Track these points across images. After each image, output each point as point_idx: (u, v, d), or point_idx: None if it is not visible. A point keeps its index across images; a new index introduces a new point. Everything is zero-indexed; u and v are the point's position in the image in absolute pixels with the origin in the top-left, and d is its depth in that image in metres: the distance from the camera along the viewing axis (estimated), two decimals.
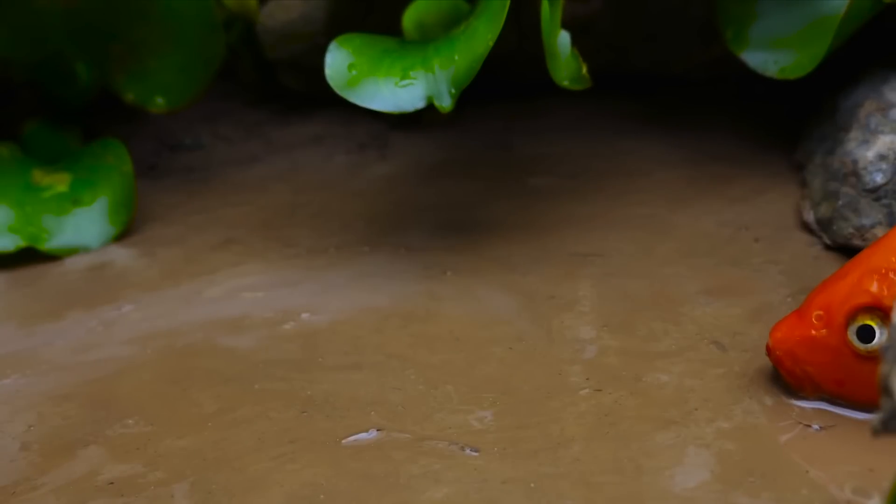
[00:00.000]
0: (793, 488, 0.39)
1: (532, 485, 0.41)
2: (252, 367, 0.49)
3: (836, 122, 0.56)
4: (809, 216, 0.54)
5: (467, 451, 0.42)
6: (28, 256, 0.58)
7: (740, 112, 0.65)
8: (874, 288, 0.42)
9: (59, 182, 0.61)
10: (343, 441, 0.44)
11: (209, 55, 0.63)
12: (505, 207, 0.59)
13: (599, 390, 0.45)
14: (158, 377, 0.49)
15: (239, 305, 0.53)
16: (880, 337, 0.41)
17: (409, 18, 0.57)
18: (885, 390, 0.32)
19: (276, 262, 0.56)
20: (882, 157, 0.52)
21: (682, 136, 0.64)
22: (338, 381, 0.47)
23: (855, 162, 0.52)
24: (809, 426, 0.42)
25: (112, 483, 0.43)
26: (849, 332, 0.42)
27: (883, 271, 0.42)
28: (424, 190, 0.61)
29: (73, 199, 0.60)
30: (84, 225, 0.59)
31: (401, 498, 0.41)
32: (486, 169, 0.63)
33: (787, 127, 0.62)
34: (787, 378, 0.44)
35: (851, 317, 0.42)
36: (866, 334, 0.42)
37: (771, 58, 0.57)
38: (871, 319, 0.42)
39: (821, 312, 0.43)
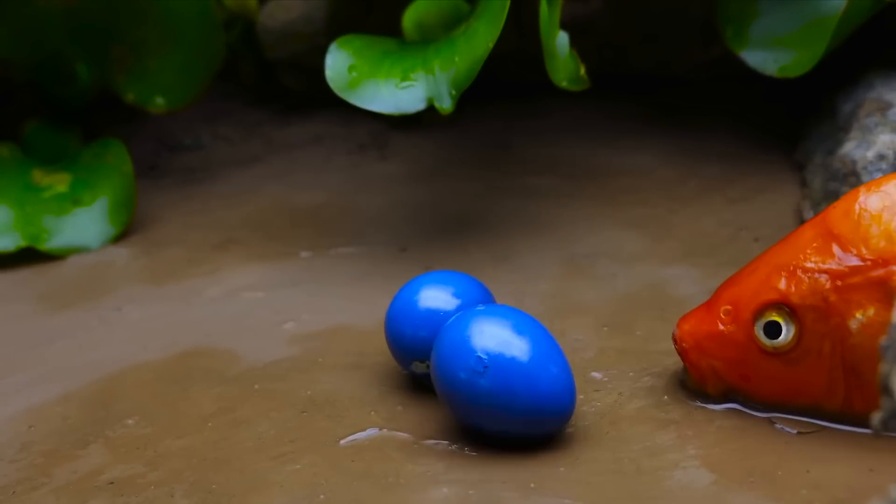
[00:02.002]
0: (793, 488, 0.39)
1: (532, 485, 0.41)
2: (252, 367, 0.49)
3: (836, 122, 0.56)
4: (809, 216, 0.54)
5: (467, 450, 0.42)
6: (28, 256, 0.58)
7: (740, 112, 0.65)
8: (782, 285, 0.42)
9: (59, 182, 0.61)
10: (343, 441, 0.44)
11: (209, 55, 0.63)
12: (505, 207, 0.59)
13: (599, 390, 0.45)
14: (158, 377, 0.49)
15: (239, 305, 0.53)
16: (787, 333, 0.42)
17: (409, 19, 0.57)
18: (885, 390, 0.32)
19: (276, 262, 0.56)
20: (882, 157, 0.52)
21: (682, 136, 0.64)
22: (338, 381, 0.47)
23: (854, 162, 0.52)
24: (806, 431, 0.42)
25: (112, 483, 0.43)
26: (756, 328, 0.42)
27: (791, 268, 0.42)
28: (424, 190, 0.61)
29: (73, 199, 0.60)
30: (84, 225, 0.59)
31: (401, 498, 0.41)
32: (486, 169, 0.63)
33: (787, 127, 0.62)
34: (690, 371, 0.44)
35: (759, 313, 0.42)
36: (773, 330, 0.42)
37: (770, 56, 0.57)
38: (779, 316, 0.42)
39: (729, 307, 0.43)
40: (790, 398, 0.42)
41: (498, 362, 0.41)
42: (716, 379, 0.43)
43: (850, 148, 0.53)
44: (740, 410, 0.43)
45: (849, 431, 0.42)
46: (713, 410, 0.44)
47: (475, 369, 0.41)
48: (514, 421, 0.41)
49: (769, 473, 0.40)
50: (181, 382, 0.48)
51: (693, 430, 0.43)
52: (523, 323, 0.42)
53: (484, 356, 0.41)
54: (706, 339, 0.43)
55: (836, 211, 0.42)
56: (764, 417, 0.43)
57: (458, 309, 0.45)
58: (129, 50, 0.63)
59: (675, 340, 0.44)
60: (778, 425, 0.42)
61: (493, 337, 0.41)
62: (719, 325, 0.43)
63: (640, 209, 0.58)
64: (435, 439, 0.43)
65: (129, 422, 0.46)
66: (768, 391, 0.43)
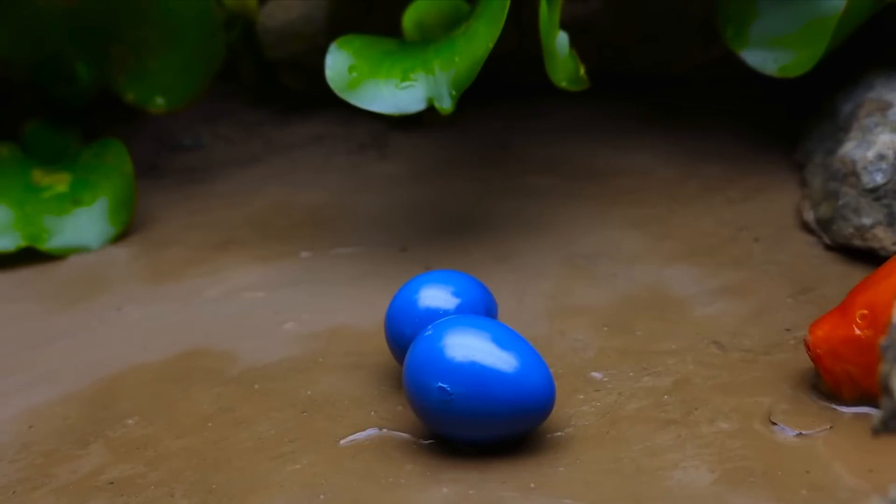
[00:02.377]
0: (793, 488, 0.39)
1: (532, 485, 0.41)
2: (252, 367, 0.49)
3: (836, 122, 0.56)
4: (809, 216, 0.54)
5: (467, 451, 0.42)
6: (28, 256, 0.58)
7: (740, 112, 0.65)
8: None
9: (60, 182, 0.61)
10: (343, 441, 0.44)
11: (209, 55, 0.63)
12: (505, 207, 0.59)
13: (599, 390, 0.45)
14: (158, 377, 0.49)
15: (239, 305, 0.53)
16: None
17: (409, 19, 0.58)
18: (885, 390, 0.32)
19: (276, 262, 0.56)
20: (882, 157, 0.52)
21: (682, 136, 0.64)
22: (338, 381, 0.47)
23: (854, 162, 0.52)
24: (802, 432, 0.42)
25: (112, 483, 0.43)
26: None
27: None
28: (424, 190, 0.61)
29: (74, 199, 0.60)
30: (84, 225, 0.59)
31: (401, 498, 0.41)
32: (486, 169, 0.63)
33: (787, 127, 0.62)
34: (825, 377, 0.43)
35: None
36: None
37: (770, 56, 0.57)
38: None
39: (865, 312, 0.42)
40: None
41: (462, 388, 0.41)
42: (851, 384, 0.43)
43: (850, 148, 0.53)
44: (740, 411, 0.43)
45: (849, 432, 0.42)
46: (713, 411, 0.44)
47: (441, 398, 0.41)
48: (496, 426, 0.42)
49: (769, 473, 0.40)
50: (181, 382, 0.48)
51: (693, 430, 0.43)
52: (476, 340, 0.42)
53: (445, 386, 0.41)
54: (842, 345, 0.43)
55: None
56: (764, 418, 0.43)
57: (458, 309, 0.45)
58: (129, 50, 0.63)
59: (807, 347, 0.43)
60: (778, 426, 0.42)
61: (450, 369, 0.41)
62: (855, 329, 0.43)
63: (640, 209, 0.58)
64: (435, 439, 0.43)
65: (130, 422, 0.46)
66: None
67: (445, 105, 0.51)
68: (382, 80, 0.52)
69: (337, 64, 0.54)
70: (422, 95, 0.52)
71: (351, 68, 0.53)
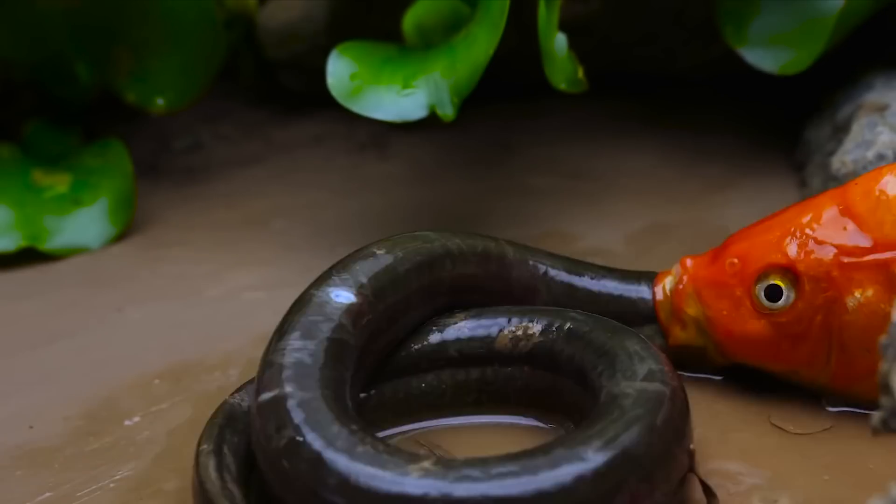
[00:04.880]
0: (792, 488, 0.39)
1: None
2: (253, 368, 0.49)
3: (836, 123, 0.56)
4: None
5: (466, 451, 0.42)
6: (28, 256, 0.58)
7: (740, 112, 0.65)
8: (792, 250, 0.42)
9: (60, 182, 0.61)
10: None
11: (209, 55, 0.63)
12: (505, 207, 0.59)
13: None
14: (159, 377, 0.49)
15: (239, 305, 0.53)
16: (786, 299, 0.42)
17: (409, 21, 0.57)
18: (885, 388, 0.32)
19: (276, 262, 0.56)
20: (881, 158, 0.52)
21: (682, 136, 0.64)
22: None
23: (854, 162, 0.52)
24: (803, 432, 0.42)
25: (113, 484, 0.43)
26: (756, 288, 0.42)
27: (803, 236, 0.42)
28: (424, 190, 0.61)
29: (74, 200, 0.60)
30: (84, 225, 0.59)
31: None
32: (486, 169, 0.63)
33: (787, 127, 0.62)
34: (674, 312, 0.44)
35: (763, 273, 0.42)
36: (774, 294, 0.42)
37: (770, 54, 0.57)
38: (782, 281, 0.42)
39: (735, 260, 0.43)
40: (768, 360, 0.43)
41: None
42: (695, 327, 0.43)
43: (850, 148, 0.53)
44: (739, 412, 0.43)
45: (848, 432, 0.42)
46: (712, 411, 0.44)
47: None
48: None
49: (769, 473, 0.40)
50: (182, 382, 0.48)
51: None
52: None
53: None
54: (706, 286, 0.43)
55: (857, 188, 0.42)
56: (763, 417, 0.43)
57: None
58: (129, 50, 0.63)
59: (675, 276, 0.44)
60: (777, 426, 0.42)
61: None
62: (722, 275, 0.43)
63: (640, 209, 0.58)
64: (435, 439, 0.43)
65: (129, 422, 0.46)
66: (745, 350, 0.43)
67: (448, 112, 0.51)
68: (384, 87, 0.52)
69: (338, 71, 0.53)
70: (424, 102, 0.52)
71: (353, 76, 0.53)
